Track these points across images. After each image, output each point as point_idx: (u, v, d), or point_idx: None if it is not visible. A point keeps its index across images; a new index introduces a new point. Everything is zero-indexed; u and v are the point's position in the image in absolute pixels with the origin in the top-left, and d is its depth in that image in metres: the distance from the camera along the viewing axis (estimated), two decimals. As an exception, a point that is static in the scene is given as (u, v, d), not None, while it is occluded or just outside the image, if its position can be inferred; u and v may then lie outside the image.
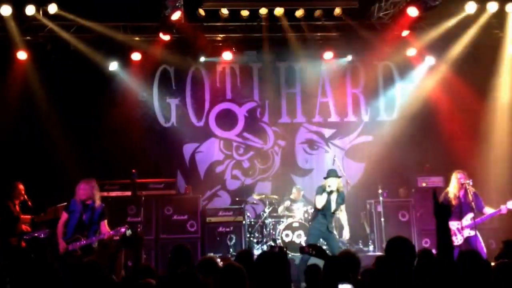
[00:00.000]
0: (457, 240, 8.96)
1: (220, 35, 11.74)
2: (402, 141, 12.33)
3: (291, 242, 10.67)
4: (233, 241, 11.13)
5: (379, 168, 12.10)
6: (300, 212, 11.05)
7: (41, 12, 10.54)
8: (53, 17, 10.63)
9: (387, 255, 4.60)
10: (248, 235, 11.28)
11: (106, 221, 8.53)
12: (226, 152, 12.81)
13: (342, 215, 9.39)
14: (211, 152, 12.80)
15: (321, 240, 9.16)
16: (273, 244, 10.53)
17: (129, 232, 8.87)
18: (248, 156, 12.84)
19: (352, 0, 10.88)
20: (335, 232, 9.29)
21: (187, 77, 12.74)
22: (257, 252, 10.21)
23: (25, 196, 9.53)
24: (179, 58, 12.09)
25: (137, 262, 7.21)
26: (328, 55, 12.15)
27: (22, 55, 11.13)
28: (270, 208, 11.46)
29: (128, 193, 10.94)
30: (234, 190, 12.53)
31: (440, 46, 11.80)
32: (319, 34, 11.81)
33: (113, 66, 11.71)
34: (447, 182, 10.59)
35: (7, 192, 9.43)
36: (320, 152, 13.00)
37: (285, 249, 5.60)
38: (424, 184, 11.63)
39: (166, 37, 11.07)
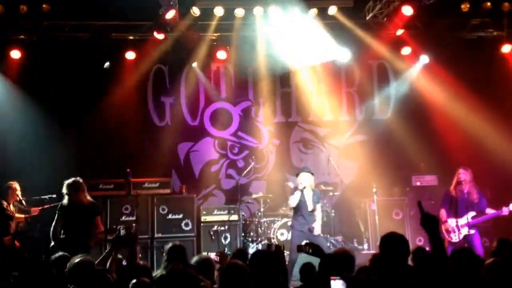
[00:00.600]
0: (455, 237, 8.98)
1: (214, 34, 11.73)
2: (397, 140, 12.35)
3: (286, 241, 10.67)
4: (228, 240, 11.14)
5: (374, 167, 12.10)
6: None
7: (34, 11, 10.50)
8: (47, 16, 10.60)
9: (381, 251, 4.62)
10: (243, 234, 11.30)
11: (99, 217, 8.49)
12: (220, 151, 12.80)
13: (317, 212, 9.36)
14: (206, 152, 12.78)
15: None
16: (269, 243, 10.52)
17: (123, 231, 8.85)
18: (243, 155, 12.83)
19: (347, -1, 10.92)
20: (318, 232, 9.23)
21: (182, 76, 12.72)
22: (252, 251, 10.20)
23: (19, 196, 9.53)
24: (174, 57, 12.05)
25: (132, 261, 7.17)
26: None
27: (15, 54, 11.08)
28: (265, 207, 11.47)
29: (123, 192, 10.94)
30: (229, 189, 12.53)
31: (434, 45, 11.81)
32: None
33: (107, 65, 11.67)
34: (441, 181, 10.67)
35: (2, 192, 9.42)
36: (314, 151, 13.00)
37: (282, 247, 5.61)
38: (418, 183, 11.68)
39: (160, 36, 11.06)
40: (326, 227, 10.66)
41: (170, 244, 5.88)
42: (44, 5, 10.27)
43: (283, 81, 12.94)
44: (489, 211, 8.98)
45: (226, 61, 12.40)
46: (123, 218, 10.75)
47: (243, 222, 11.42)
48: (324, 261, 5.25)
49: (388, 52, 12.14)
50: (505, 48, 11.70)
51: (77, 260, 5.11)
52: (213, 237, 11.13)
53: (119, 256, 6.28)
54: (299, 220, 9.15)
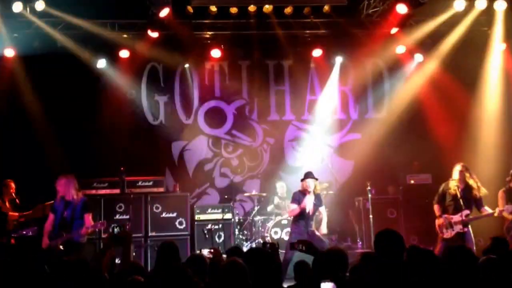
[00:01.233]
0: (448, 233, 8.95)
1: (208, 33, 11.71)
2: (391, 138, 12.36)
3: (280, 239, 10.68)
4: (222, 238, 11.13)
5: (368, 165, 12.12)
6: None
7: (28, 9, 10.47)
8: (41, 14, 10.56)
9: (376, 248, 4.62)
10: (237, 233, 11.28)
11: (90, 214, 8.52)
12: (214, 149, 12.79)
13: (323, 214, 9.35)
14: (200, 150, 12.77)
15: None
16: (262, 241, 10.51)
17: (117, 229, 8.85)
18: (237, 153, 12.82)
19: (341, -3, 10.93)
20: (317, 233, 9.24)
21: (176, 75, 12.70)
22: (246, 249, 10.19)
23: (14, 194, 9.51)
24: (168, 56, 12.02)
25: (126, 260, 7.16)
26: (317, 52, 12.14)
27: (9, 52, 11.04)
28: (259, 206, 11.47)
29: (117, 191, 10.92)
30: (223, 188, 12.52)
31: (429, 44, 11.84)
32: (307, 31, 11.81)
33: (101, 63, 11.63)
34: (434, 179, 10.67)
35: (-2, 189, 9.44)
36: (308, 150, 13.00)
37: (276, 245, 5.60)
38: (412, 182, 11.70)
39: (154, 34, 11.04)
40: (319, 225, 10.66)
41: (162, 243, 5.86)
42: (38, 3, 10.21)
43: (277, 79, 12.93)
44: (486, 209, 8.97)
45: (220, 59, 12.38)
46: (117, 216, 10.75)
47: (237, 220, 11.41)
48: (317, 260, 5.25)
49: (382, 51, 12.14)
50: (500, 46, 11.72)
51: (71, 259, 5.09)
52: (207, 236, 11.11)
53: (113, 254, 6.26)
54: (298, 224, 9.13)
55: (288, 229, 10.40)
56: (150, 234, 10.95)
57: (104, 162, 11.48)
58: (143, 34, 11.22)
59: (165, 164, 12.42)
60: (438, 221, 9.10)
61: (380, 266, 4.47)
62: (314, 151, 12.86)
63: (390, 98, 12.98)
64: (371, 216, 11.01)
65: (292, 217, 9.41)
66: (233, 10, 10.98)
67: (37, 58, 11.30)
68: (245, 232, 11.36)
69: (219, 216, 11.28)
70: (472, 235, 8.91)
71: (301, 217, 9.08)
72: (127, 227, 9.69)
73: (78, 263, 5.08)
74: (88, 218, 8.44)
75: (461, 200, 8.85)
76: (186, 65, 12.35)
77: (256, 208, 11.40)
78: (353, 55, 12.46)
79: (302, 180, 9.24)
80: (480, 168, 11.35)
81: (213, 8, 10.90)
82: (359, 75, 13.00)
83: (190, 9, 10.87)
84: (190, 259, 5.38)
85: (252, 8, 10.89)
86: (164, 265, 5.23)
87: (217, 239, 11.12)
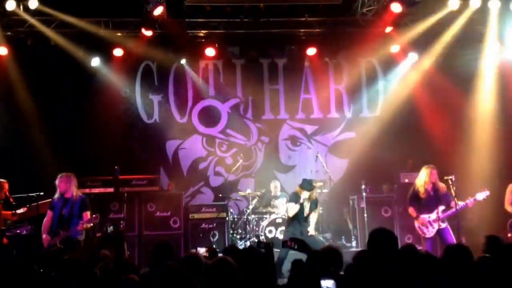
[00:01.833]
0: (429, 232, 9.15)
1: (202, 31, 11.69)
2: (385, 137, 12.37)
3: (275, 238, 10.68)
4: (216, 237, 11.13)
5: (362, 164, 12.14)
6: (283, 207, 11.05)
7: (21, 7, 10.44)
8: (34, 12, 10.52)
9: (370, 246, 4.62)
10: (231, 232, 11.28)
11: (88, 212, 8.56)
12: (209, 148, 12.77)
13: (312, 218, 9.37)
14: (194, 149, 12.75)
15: None
16: (256, 240, 10.50)
17: (111, 228, 8.85)
18: (231, 152, 12.81)
19: (336, -4, 10.93)
20: (312, 233, 9.26)
21: (170, 73, 12.67)
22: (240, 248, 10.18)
23: (7, 193, 9.47)
24: (162, 54, 12.00)
25: (120, 259, 7.15)
26: (311, 51, 12.13)
27: (2, 50, 10.99)
28: (253, 205, 11.46)
29: (111, 190, 10.84)
30: (217, 187, 12.50)
31: (423, 43, 11.85)
32: (302, 30, 11.80)
33: (95, 62, 11.59)
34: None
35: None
36: (302, 149, 13.01)
37: (271, 244, 5.59)
38: (406, 180, 11.68)
39: (148, 33, 11.01)
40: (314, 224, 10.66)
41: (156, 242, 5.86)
42: (31, 1, 10.16)
43: (271, 78, 12.92)
44: (459, 204, 9.11)
45: (214, 58, 12.37)
46: (111, 215, 10.71)
47: (232, 219, 11.40)
48: (311, 258, 5.24)
49: (377, 50, 12.14)
50: (493, 45, 11.74)
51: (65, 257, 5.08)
52: (201, 235, 11.11)
53: (106, 252, 6.24)
54: (294, 225, 9.14)
55: (283, 228, 10.42)
56: (144, 233, 10.92)
57: (98, 160, 11.44)
58: (137, 33, 11.18)
59: (159, 163, 12.40)
60: (417, 222, 9.31)
61: (374, 264, 4.47)
62: (309, 150, 12.87)
63: (385, 97, 13.00)
64: (365, 214, 11.03)
65: (288, 218, 9.42)
66: (227, 8, 10.94)
67: (30, 56, 11.28)
68: (240, 231, 11.36)
69: (214, 215, 11.28)
70: (450, 230, 9.08)
71: (298, 219, 9.10)
72: (121, 226, 9.66)
73: (72, 262, 5.06)
74: (87, 215, 8.49)
75: (433, 198, 9.16)
76: (183, 61, 12.27)
77: (250, 207, 11.39)
78: (347, 54, 12.48)
79: (299, 186, 9.27)
80: (474, 166, 11.44)
81: (208, 7, 10.85)
82: (353, 74, 13.00)
83: (184, 7, 10.82)
84: (186, 258, 5.37)
85: (246, 6, 10.85)
86: (158, 264, 5.21)
87: (211, 238, 11.11)
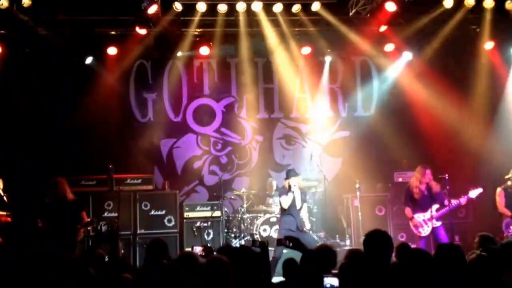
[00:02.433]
0: (424, 231, 9.27)
1: (197, 30, 11.66)
2: (380, 136, 12.40)
3: (269, 237, 10.70)
4: (211, 236, 11.13)
5: (357, 163, 12.14)
6: (277, 207, 11.05)
7: (15, 6, 10.36)
8: (27, 11, 10.45)
9: (366, 248, 4.63)
10: (225, 230, 11.30)
11: (84, 212, 8.68)
12: (203, 147, 12.76)
13: (303, 211, 9.41)
14: (189, 148, 12.74)
15: None
16: (253, 239, 10.51)
17: (105, 227, 8.85)
18: (225, 151, 12.80)
19: (330, -5, 10.92)
20: (306, 229, 9.30)
21: (164, 72, 12.64)
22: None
23: (2, 192, 9.45)
24: (156, 53, 11.96)
25: (114, 258, 7.15)
26: (305, 50, 12.13)
27: (-4, 49, 10.96)
28: (248, 203, 11.46)
29: (105, 189, 10.83)
30: (212, 186, 12.50)
31: (417, 42, 11.86)
32: (297, 29, 11.80)
33: (89, 60, 11.54)
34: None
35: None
36: (297, 148, 13.02)
37: (266, 243, 5.61)
38: (400, 179, 11.73)
39: (142, 31, 10.98)
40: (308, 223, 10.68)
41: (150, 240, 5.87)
42: (25, 0, 10.12)
43: (265, 77, 12.90)
44: (452, 202, 9.19)
45: (209, 57, 12.34)
46: (105, 214, 10.69)
47: (226, 218, 11.41)
48: (306, 256, 5.25)
49: (371, 49, 12.14)
50: (487, 45, 11.78)
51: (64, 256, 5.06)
52: (196, 233, 11.12)
53: (101, 252, 6.23)
54: (287, 219, 9.16)
55: (277, 227, 10.42)
56: (139, 232, 10.90)
57: (93, 159, 11.43)
58: (131, 31, 11.14)
59: (154, 162, 12.38)
60: (412, 222, 9.43)
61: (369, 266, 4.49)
62: (303, 149, 12.89)
63: (379, 96, 13.01)
64: (359, 213, 11.05)
65: (281, 213, 9.45)
66: (222, 7, 10.91)
67: (24, 54, 11.22)
68: (234, 230, 11.38)
69: (208, 214, 11.27)
70: (444, 229, 9.23)
71: (291, 212, 9.13)
72: (116, 225, 9.65)
73: (70, 261, 5.05)
74: (83, 215, 8.61)
75: (428, 198, 9.33)
76: (179, 53, 12.20)
77: (245, 206, 11.39)
78: (342, 53, 12.47)
79: (285, 179, 9.34)
80: (468, 166, 11.48)
81: (202, 5, 10.82)
82: (348, 73, 13.01)
83: (178, 6, 10.78)
84: (182, 257, 5.37)
85: (241, 5, 10.83)
86: (153, 262, 5.22)
87: (206, 236, 11.12)
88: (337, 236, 11.64)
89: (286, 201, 9.14)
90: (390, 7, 10.53)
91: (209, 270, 4.23)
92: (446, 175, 9.18)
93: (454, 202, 9.19)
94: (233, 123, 12.86)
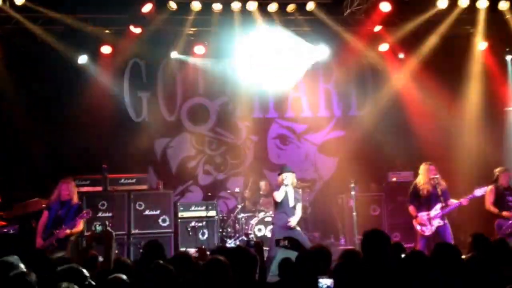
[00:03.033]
0: (428, 230, 9.20)
1: (192, 29, 11.63)
2: (374, 136, 12.42)
3: (264, 236, 10.68)
4: (206, 236, 11.10)
5: (351, 163, 12.13)
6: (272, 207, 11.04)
7: (7, 4, 10.31)
8: (20, 9, 10.40)
9: (364, 248, 4.63)
10: (220, 230, 11.27)
11: (82, 220, 8.74)
12: (198, 147, 12.73)
13: (297, 210, 9.37)
14: (183, 147, 12.71)
15: None
16: (247, 239, 10.50)
17: (99, 228, 8.84)
18: (220, 151, 12.78)
19: (325, -5, 10.92)
20: (294, 224, 9.25)
21: (159, 71, 12.60)
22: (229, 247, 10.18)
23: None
24: (151, 52, 11.92)
25: (108, 258, 7.13)
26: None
27: (-12, 47, 10.90)
28: (243, 203, 11.45)
29: (99, 188, 10.80)
30: (206, 185, 12.47)
31: (411, 42, 11.88)
32: (292, 28, 11.78)
33: (83, 59, 11.48)
34: (416, 177, 10.71)
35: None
36: (291, 147, 13.01)
37: (261, 243, 5.60)
38: (395, 179, 11.76)
39: (137, 30, 10.95)
40: (303, 223, 10.66)
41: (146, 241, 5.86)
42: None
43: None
44: (452, 201, 9.20)
45: (203, 56, 12.30)
46: (100, 214, 10.62)
47: (221, 218, 11.40)
48: (301, 257, 5.25)
49: (365, 48, 12.14)
50: (481, 45, 11.81)
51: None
52: (190, 233, 11.08)
53: (94, 252, 6.21)
54: (281, 216, 9.15)
55: (272, 227, 10.41)
56: (133, 231, 10.86)
57: (86, 159, 11.38)
58: (126, 30, 11.10)
59: (148, 162, 12.34)
60: (416, 221, 9.34)
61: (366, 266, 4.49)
62: (298, 149, 12.88)
63: (373, 95, 13.01)
64: (354, 213, 11.01)
65: (274, 211, 9.46)
66: (216, 6, 10.89)
67: (17, 53, 11.17)
68: (229, 230, 11.36)
69: (203, 214, 11.24)
70: (449, 228, 9.15)
71: (283, 209, 9.12)
72: (110, 224, 9.62)
73: (61, 261, 5.03)
74: (80, 223, 8.66)
75: (433, 196, 9.20)
76: (174, 55, 12.14)
77: (239, 206, 11.38)
78: (336, 53, 12.47)
79: (279, 174, 9.31)
80: (461, 166, 11.51)
81: (197, 4, 10.79)
82: (342, 73, 12.99)
83: (172, 5, 10.75)
84: (176, 257, 5.36)
85: (236, 5, 10.81)
86: (149, 263, 5.20)
87: (200, 236, 11.09)
88: (331, 236, 11.65)
89: (278, 195, 9.13)
90: (385, 7, 10.56)
91: (208, 271, 4.22)
92: (438, 175, 9.24)
93: (455, 202, 9.19)
94: (227, 123, 12.84)
